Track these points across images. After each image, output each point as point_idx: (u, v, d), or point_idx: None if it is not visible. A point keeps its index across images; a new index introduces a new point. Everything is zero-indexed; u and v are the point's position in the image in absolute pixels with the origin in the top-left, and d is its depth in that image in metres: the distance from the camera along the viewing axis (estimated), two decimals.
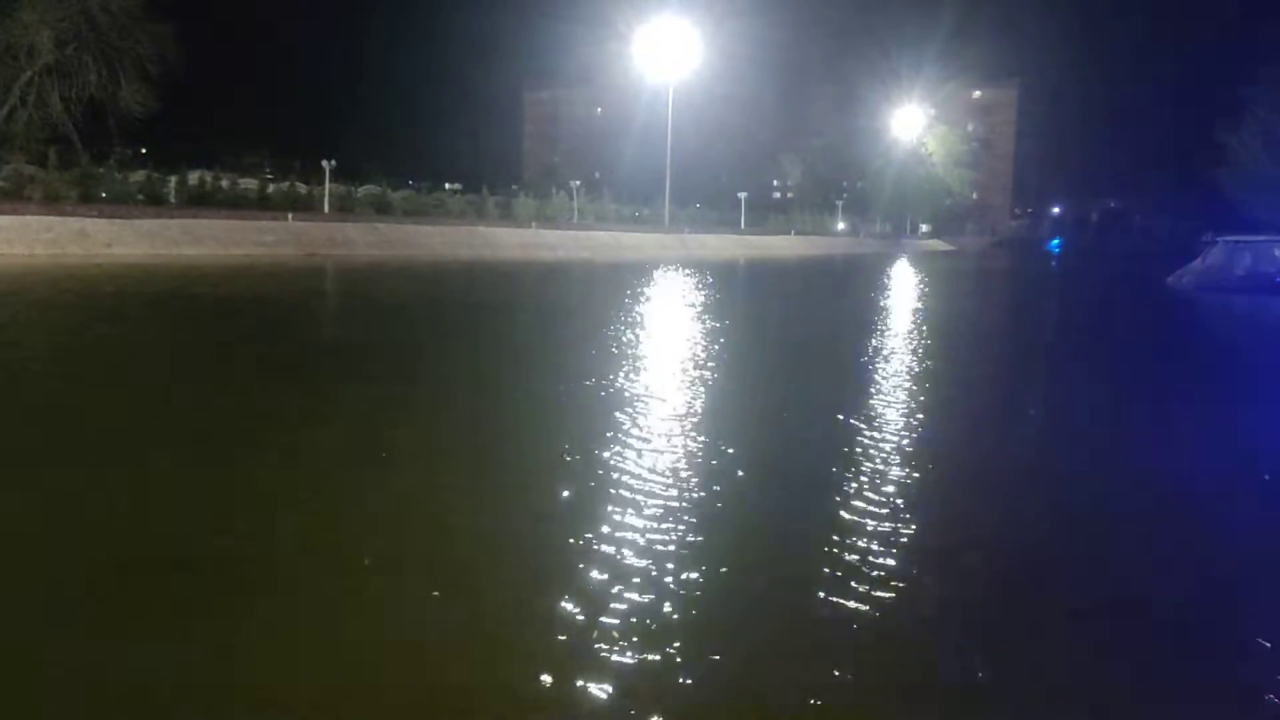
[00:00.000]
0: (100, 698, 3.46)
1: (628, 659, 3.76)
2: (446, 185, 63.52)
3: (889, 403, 9.49)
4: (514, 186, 69.56)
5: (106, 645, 3.84)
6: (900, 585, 4.57)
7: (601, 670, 3.66)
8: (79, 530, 5.17)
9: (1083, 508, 6.20)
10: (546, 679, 3.60)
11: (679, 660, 3.76)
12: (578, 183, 67.82)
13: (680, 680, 3.63)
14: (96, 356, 12.06)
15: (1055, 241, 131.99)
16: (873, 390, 10.40)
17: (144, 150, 49.69)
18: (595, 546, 4.94)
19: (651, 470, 6.46)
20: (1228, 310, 26.81)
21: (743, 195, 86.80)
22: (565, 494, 5.98)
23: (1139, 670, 3.91)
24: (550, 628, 4.03)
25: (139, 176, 42.43)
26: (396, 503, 5.77)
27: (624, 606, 4.22)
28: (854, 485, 6.24)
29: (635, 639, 3.92)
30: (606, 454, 6.88)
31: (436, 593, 4.38)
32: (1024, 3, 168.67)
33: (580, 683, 3.57)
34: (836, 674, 3.72)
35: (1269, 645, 4.03)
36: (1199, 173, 68.68)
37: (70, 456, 6.75)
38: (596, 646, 3.85)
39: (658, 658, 3.77)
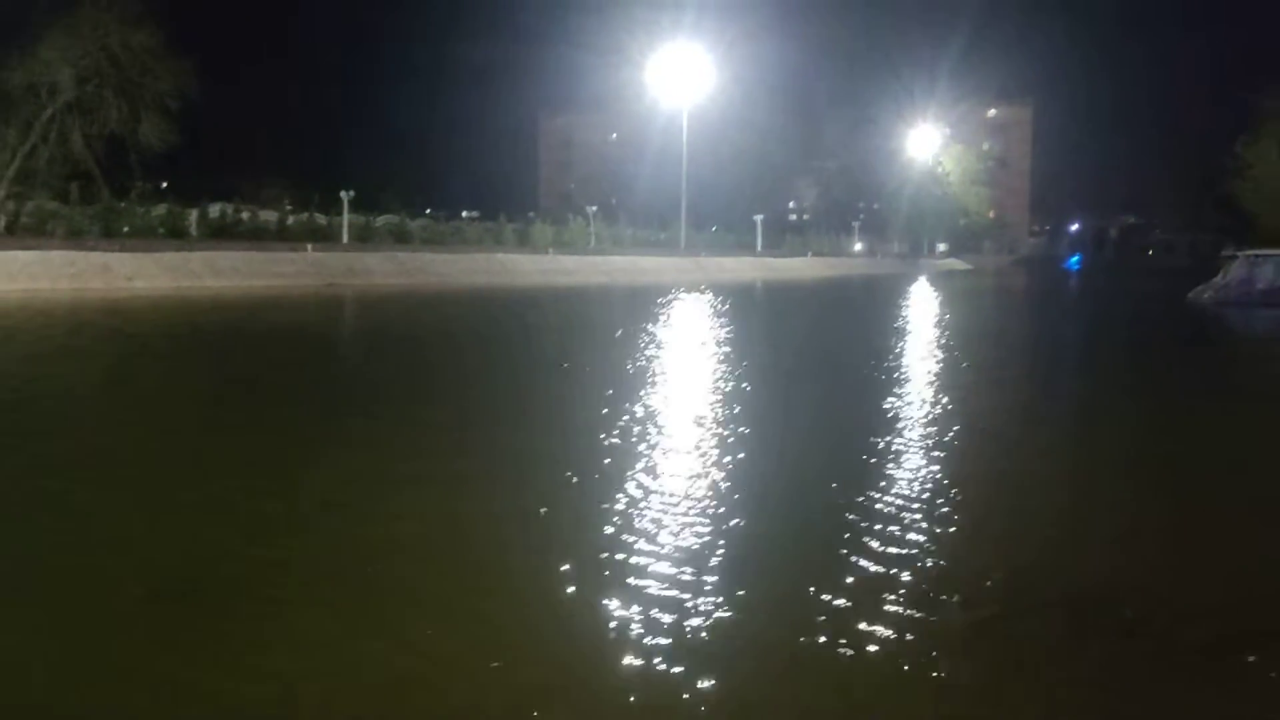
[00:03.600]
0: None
1: None
2: (464, 213, 63.85)
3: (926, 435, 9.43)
4: (530, 213, 69.89)
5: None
6: None
7: None
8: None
9: None
10: None
11: None
12: (594, 208, 68.03)
13: None
14: (141, 389, 12.15)
15: (1075, 259, 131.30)
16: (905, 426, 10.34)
17: (165, 184, 50.17)
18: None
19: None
20: (1250, 326, 26.59)
21: (759, 218, 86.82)
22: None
23: None
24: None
25: (160, 210, 42.86)
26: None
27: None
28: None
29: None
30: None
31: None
32: (1036, 21, 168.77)
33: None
34: None
35: None
36: (1218, 187, 68.22)
37: (165, 476, 6.78)
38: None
39: None
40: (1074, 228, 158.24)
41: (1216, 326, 26.73)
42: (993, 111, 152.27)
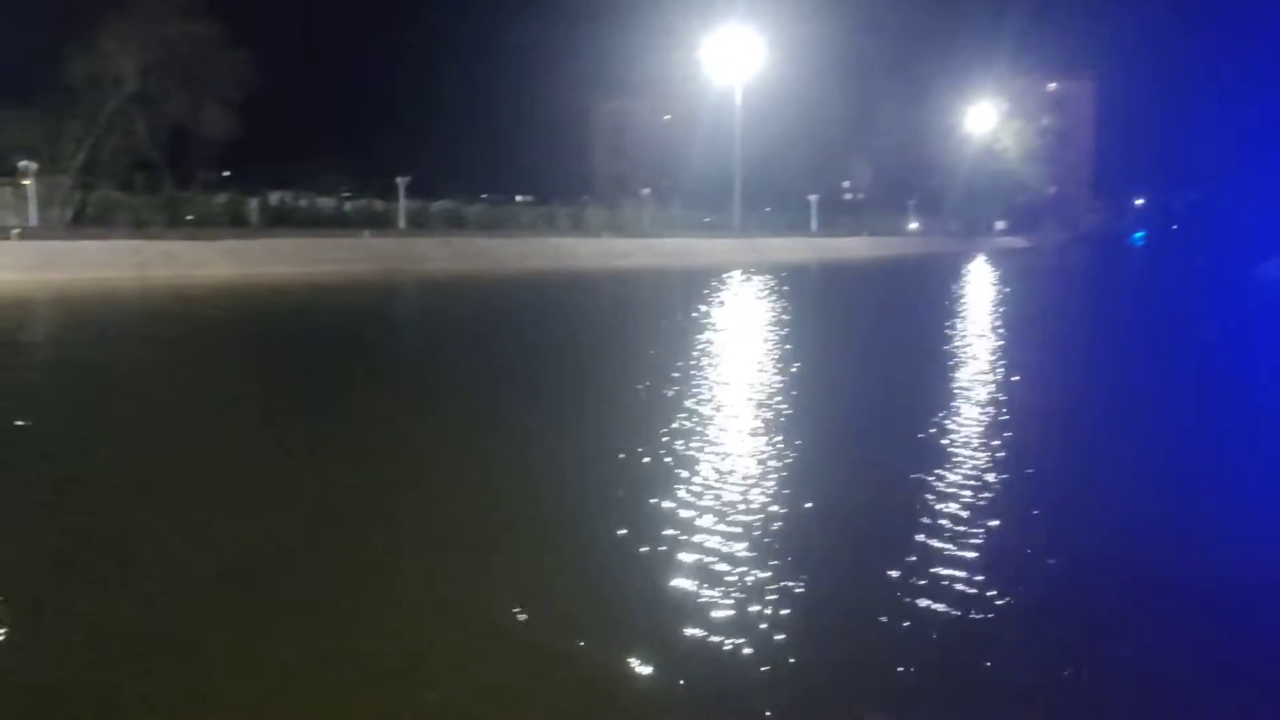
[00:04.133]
0: None
1: None
2: (518, 198, 64.02)
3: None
4: (584, 197, 69.94)
5: None
6: None
7: None
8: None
9: None
10: None
11: None
12: (647, 191, 67.82)
13: None
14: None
15: (1139, 235, 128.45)
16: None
17: (226, 173, 50.98)
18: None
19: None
20: None
21: (813, 198, 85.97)
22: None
23: None
24: None
25: (222, 199, 43.60)
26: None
27: None
28: None
29: None
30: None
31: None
32: None
33: None
34: None
35: None
36: None
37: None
38: None
39: None
40: (1138, 203, 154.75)
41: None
42: (1053, 85, 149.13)
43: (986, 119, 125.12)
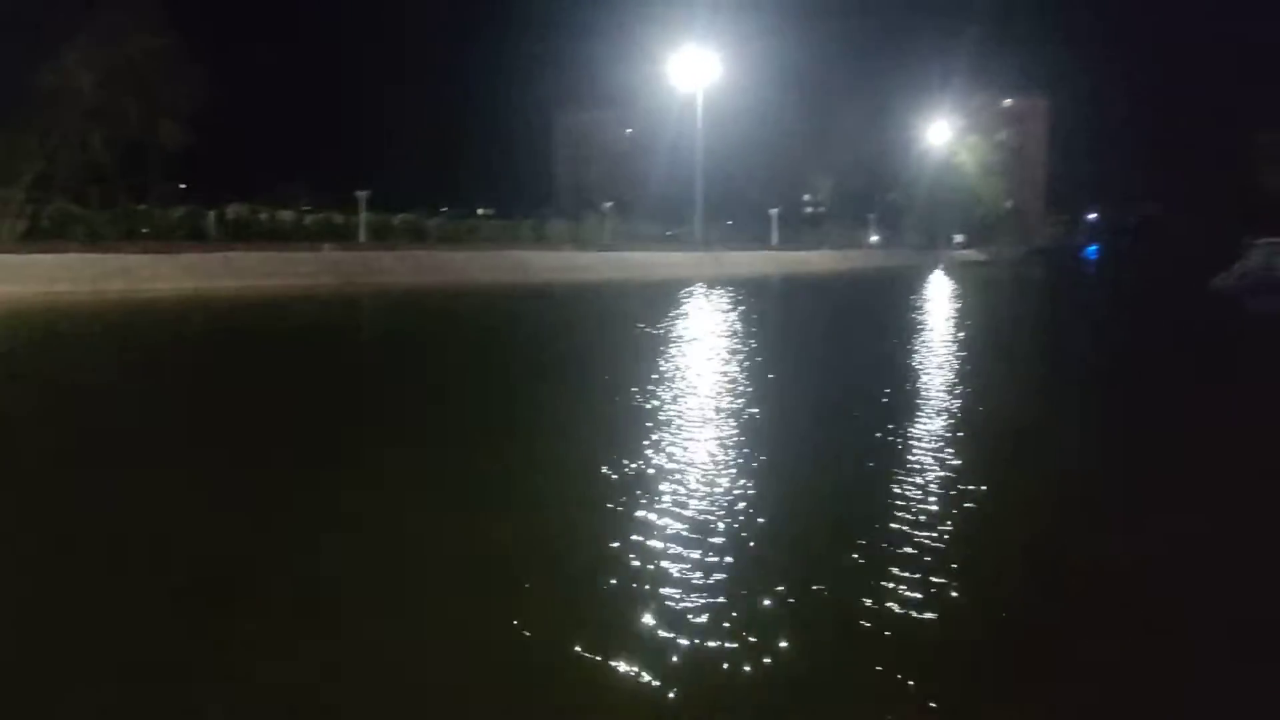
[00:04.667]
0: None
1: None
2: (480, 211, 63.95)
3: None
4: (546, 210, 69.87)
5: None
6: None
7: None
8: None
9: None
10: None
11: None
12: (610, 204, 67.96)
13: None
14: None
15: (1092, 248, 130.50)
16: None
17: (183, 186, 50.49)
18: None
19: None
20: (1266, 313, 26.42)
21: (774, 211, 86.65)
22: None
23: None
24: None
25: (179, 212, 43.13)
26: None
27: None
28: None
29: None
30: None
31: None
32: (1054, 10, 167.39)
33: None
34: None
35: None
36: (1239, 174, 67.23)
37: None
38: None
39: None
40: (1091, 217, 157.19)
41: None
42: (1009, 102, 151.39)
43: (944, 134, 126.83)
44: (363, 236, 48.77)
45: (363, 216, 49.25)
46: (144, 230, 39.60)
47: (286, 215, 48.03)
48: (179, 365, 15.09)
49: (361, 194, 48.98)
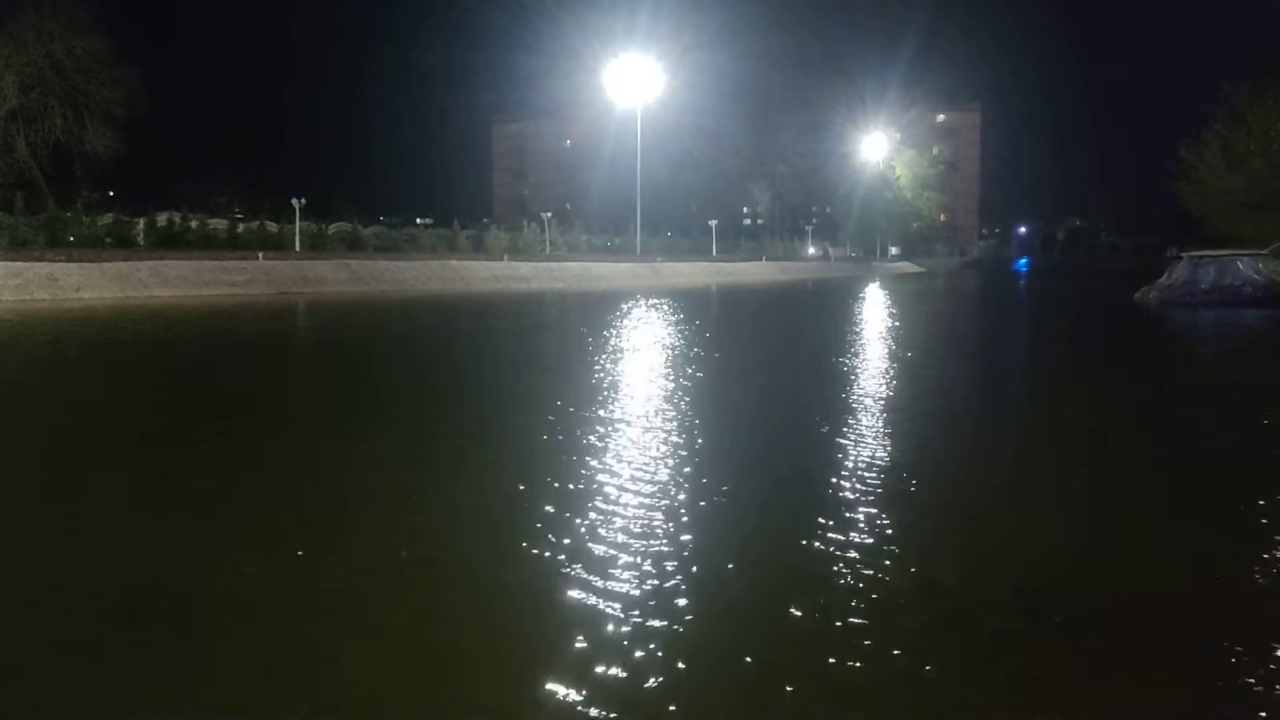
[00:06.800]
0: None
1: None
2: (418, 220, 63.54)
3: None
4: (485, 220, 69.77)
5: None
6: None
7: None
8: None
9: None
10: None
11: None
12: (549, 214, 68.04)
13: None
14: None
15: (1023, 261, 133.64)
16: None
17: (111, 193, 49.50)
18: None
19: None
20: (1194, 324, 27.16)
21: (713, 223, 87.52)
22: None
23: None
24: None
25: (107, 220, 42.11)
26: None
27: None
28: None
29: None
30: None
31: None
32: (984, 27, 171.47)
33: None
34: None
35: None
36: (1163, 189, 69.41)
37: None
38: None
39: None
40: (1022, 231, 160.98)
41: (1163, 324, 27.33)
42: (942, 116, 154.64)
43: (880, 148, 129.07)
44: (298, 245, 48.17)
45: (298, 225, 48.66)
46: (70, 239, 38.61)
47: (219, 224, 47.26)
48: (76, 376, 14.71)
49: (297, 202, 48.40)
